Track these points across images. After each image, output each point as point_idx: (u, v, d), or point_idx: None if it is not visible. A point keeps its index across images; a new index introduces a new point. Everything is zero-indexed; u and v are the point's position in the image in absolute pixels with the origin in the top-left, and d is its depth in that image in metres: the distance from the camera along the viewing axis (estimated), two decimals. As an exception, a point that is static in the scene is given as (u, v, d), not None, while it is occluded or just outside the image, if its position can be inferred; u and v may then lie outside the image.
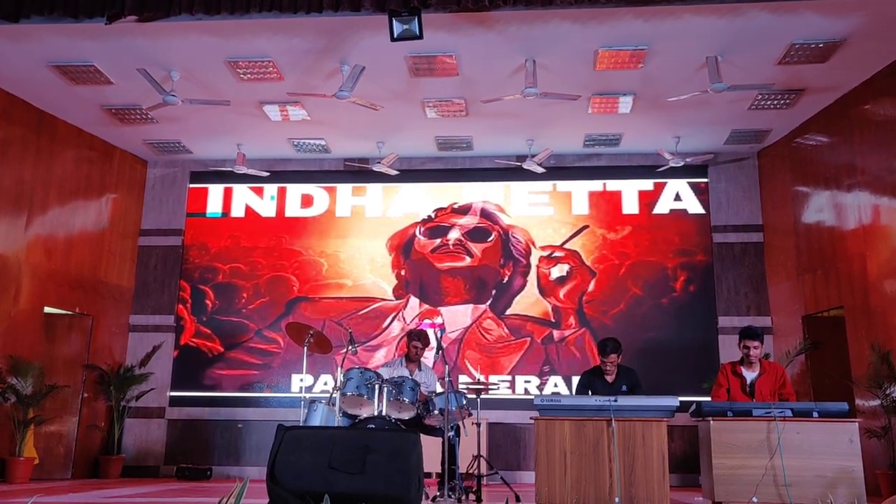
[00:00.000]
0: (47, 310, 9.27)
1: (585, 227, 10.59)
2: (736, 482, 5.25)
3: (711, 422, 5.39)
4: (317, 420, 6.23)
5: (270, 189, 11.07)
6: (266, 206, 11.05)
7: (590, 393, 6.19)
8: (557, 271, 10.47)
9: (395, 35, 6.42)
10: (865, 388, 7.74)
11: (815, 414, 5.35)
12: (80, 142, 9.89)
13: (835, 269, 8.67)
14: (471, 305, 10.46)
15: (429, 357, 7.28)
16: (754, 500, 5.16)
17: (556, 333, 10.26)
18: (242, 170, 10.28)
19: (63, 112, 9.40)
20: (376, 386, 6.01)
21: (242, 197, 11.09)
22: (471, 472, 7.06)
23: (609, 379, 6.21)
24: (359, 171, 10.79)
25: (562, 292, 10.39)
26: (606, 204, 10.66)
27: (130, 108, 9.21)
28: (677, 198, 10.58)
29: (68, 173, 9.70)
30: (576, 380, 9.78)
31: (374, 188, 10.96)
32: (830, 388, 8.58)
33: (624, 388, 6.13)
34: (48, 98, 8.95)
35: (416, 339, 6.84)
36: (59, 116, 9.47)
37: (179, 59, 7.97)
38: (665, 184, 10.60)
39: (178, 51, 7.77)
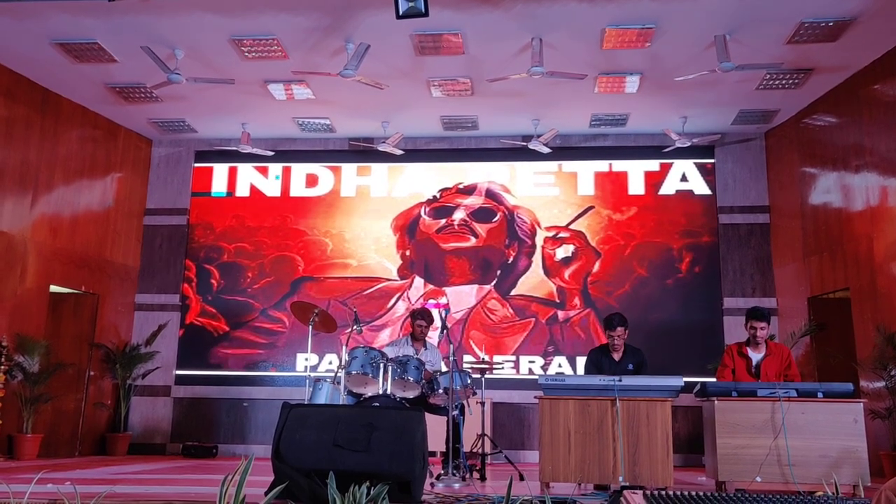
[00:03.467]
0: (53, 288, 9.31)
1: (591, 207, 10.56)
2: (740, 462, 5.27)
3: (716, 402, 5.39)
4: (322, 399, 6.26)
5: (275, 168, 11.05)
6: (271, 186, 11.04)
7: (597, 370, 6.19)
8: (562, 252, 10.45)
9: (401, 13, 6.35)
10: (870, 370, 7.74)
11: (820, 394, 5.35)
12: (84, 121, 9.88)
13: (841, 251, 8.64)
14: (476, 286, 10.46)
15: (433, 337, 7.29)
16: (758, 479, 5.18)
17: (560, 314, 10.27)
18: (247, 149, 10.26)
19: (67, 90, 9.37)
20: (381, 365, 6.03)
21: (247, 176, 11.08)
22: (475, 450, 7.10)
23: (616, 357, 6.21)
24: (364, 151, 10.76)
25: (567, 273, 10.38)
26: (612, 184, 10.61)
27: (135, 86, 9.18)
28: (683, 178, 10.54)
29: (73, 152, 9.69)
30: (580, 360, 9.85)
31: (379, 168, 10.93)
32: (835, 369, 8.57)
33: (630, 366, 6.13)
34: (52, 76, 8.92)
35: (419, 317, 6.85)
36: (63, 95, 9.45)
37: (183, 37, 7.93)
38: (671, 164, 10.55)
39: (183, 29, 7.73)
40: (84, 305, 9.94)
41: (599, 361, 6.25)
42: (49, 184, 9.26)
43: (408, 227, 10.74)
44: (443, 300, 10.32)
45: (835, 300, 8.99)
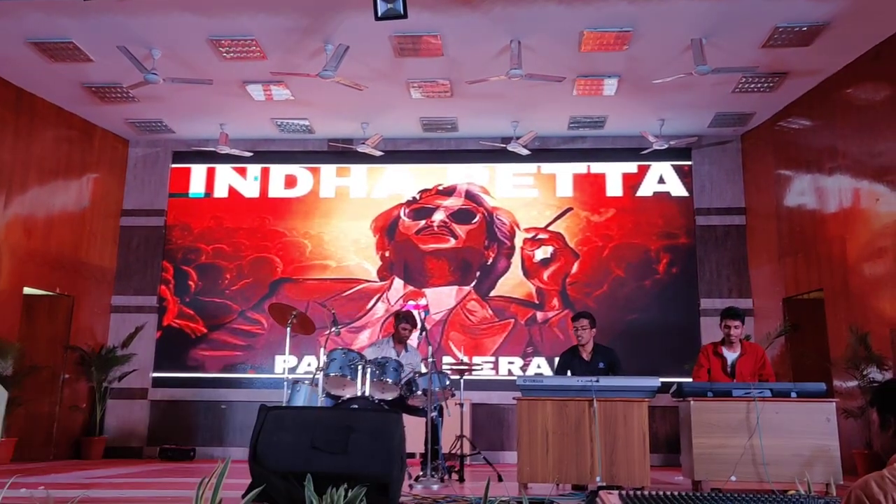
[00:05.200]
0: (27, 290, 9.18)
1: (569, 209, 10.61)
2: (715, 461, 5.32)
3: (692, 402, 5.44)
4: (300, 401, 6.23)
5: (254, 169, 10.99)
6: (249, 187, 10.98)
7: (569, 373, 6.21)
8: (541, 253, 10.50)
9: (380, 14, 6.34)
10: (843, 370, 7.85)
11: (794, 394, 5.42)
12: (59, 120, 9.76)
13: (815, 252, 8.76)
14: (455, 287, 10.47)
15: (413, 338, 7.28)
16: (733, 478, 5.23)
17: (539, 315, 10.31)
18: (225, 150, 10.19)
19: (42, 90, 9.26)
20: (359, 367, 6.01)
21: (225, 177, 11.01)
22: (454, 452, 7.10)
23: (586, 357, 6.23)
24: (343, 152, 10.73)
25: (545, 274, 10.42)
26: (590, 186, 10.68)
27: (111, 86, 9.09)
28: (661, 180, 10.63)
29: (48, 152, 9.57)
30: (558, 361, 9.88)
31: (358, 169, 10.91)
32: (809, 369, 8.69)
33: (601, 365, 6.14)
34: (27, 76, 8.80)
35: (404, 321, 6.83)
36: (38, 94, 9.33)
37: (160, 37, 7.86)
38: (649, 166, 10.63)
39: (159, 28, 7.67)
40: (59, 307, 9.81)
41: (570, 363, 6.26)
42: (23, 184, 9.14)
43: (387, 228, 10.73)
44: (422, 301, 10.31)
45: (809, 301, 9.11)
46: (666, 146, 9.80)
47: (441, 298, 10.42)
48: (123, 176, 10.93)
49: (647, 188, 10.61)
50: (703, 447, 5.35)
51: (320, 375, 6.09)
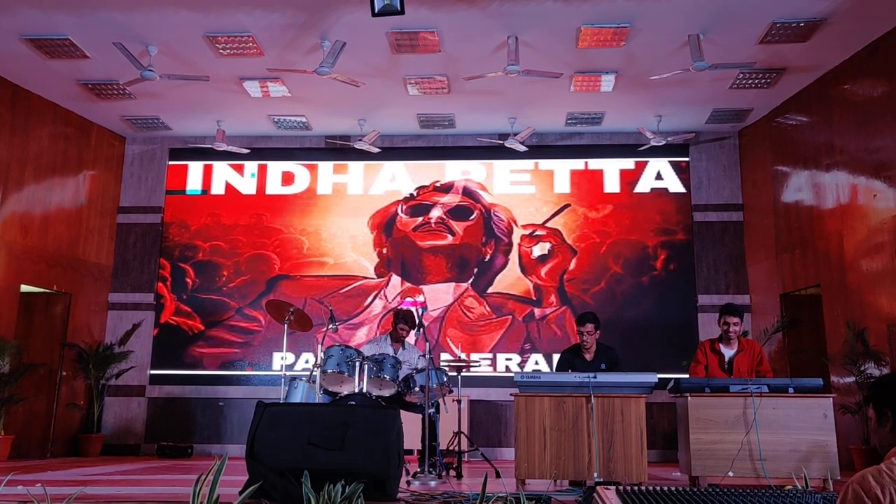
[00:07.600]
0: (24, 288, 9.16)
1: (567, 205, 10.61)
2: (712, 457, 5.33)
3: (689, 398, 5.45)
4: (297, 397, 6.23)
5: (251, 166, 10.97)
6: (246, 184, 10.96)
7: (570, 370, 6.21)
8: (539, 250, 10.50)
9: (377, 10, 6.34)
10: (840, 365, 7.86)
11: (791, 390, 5.43)
12: (55, 117, 9.73)
13: (812, 248, 8.76)
14: (452, 284, 10.47)
15: (410, 336, 7.28)
16: (730, 474, 5.24)
17: (537, 311, 10.31)
18: (222, 147, 10.18)
19: (38, 87, 9.23)
20: (357, 363, 6.01)
21: (223, 174, 10.99)
22: (451, 448, 7.11)
23: (588, 357, 6.24)
24: (340, 149, 10.72)
25: (543, 271, 10.42)
26: (588, 182, 10.67)
27: (107, 82, 9.06)
28: (658, 177, 10.62)
29: (44, 149, 9.55)
30: (556, 357, 9.89)
31: (355, 166, 10.90)
32: (807, 364, 8.70)
33: (603, 365, 6.16)
34: (22, 72, 8.78)
35: (402, 320, 6.79)
36: (34, 91, 9.30)
37: (157, 33, 7.84)
38: (646, 163, 10.63)
39: (156, 24, 7.64)
40: (56, 305, 9.80)
41: (571, 362, 6.25)
42: (20, 181, 9.11)
43: (385, 225, 10.72)
44: (420, 298, 10.31)
45: (806, 297, 9.12)
46: (663, 142, 9.80)
47: (438, 295, 10.42)
48: (120, 173, 10.92)
49: (644, 184, 10.61)
50: (701, 443, 5.36)
51: (318, 372, 6.09)
